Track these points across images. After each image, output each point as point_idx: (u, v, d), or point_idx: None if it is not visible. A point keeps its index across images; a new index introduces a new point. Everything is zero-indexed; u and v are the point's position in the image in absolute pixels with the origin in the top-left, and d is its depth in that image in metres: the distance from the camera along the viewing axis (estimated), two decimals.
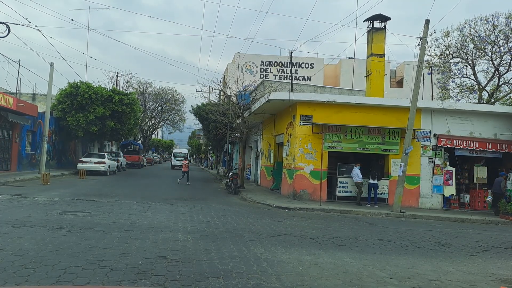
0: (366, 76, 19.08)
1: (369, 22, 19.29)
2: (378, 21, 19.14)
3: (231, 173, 18.94)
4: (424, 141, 16.99)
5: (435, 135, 16.96)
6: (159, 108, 58.67)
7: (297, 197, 16.21)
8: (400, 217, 14.03)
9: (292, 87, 18.11)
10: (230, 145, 32.38)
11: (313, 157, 16.37)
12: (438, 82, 25.49)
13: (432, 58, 25.31)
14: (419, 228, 11.47)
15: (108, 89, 28.94)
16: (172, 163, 46.18)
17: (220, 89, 20.98)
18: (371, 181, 15.90)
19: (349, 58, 44.82)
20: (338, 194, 16.49)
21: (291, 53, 16.76)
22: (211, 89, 20.10)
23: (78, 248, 6.22)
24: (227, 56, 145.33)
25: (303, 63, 44.15)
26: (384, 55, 18.82)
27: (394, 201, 14.83)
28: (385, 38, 18.95)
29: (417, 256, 7.35)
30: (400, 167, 14.92)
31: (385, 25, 19.08)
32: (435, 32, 23.99)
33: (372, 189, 15.91)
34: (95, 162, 25.90)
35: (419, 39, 15.28)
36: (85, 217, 9.12)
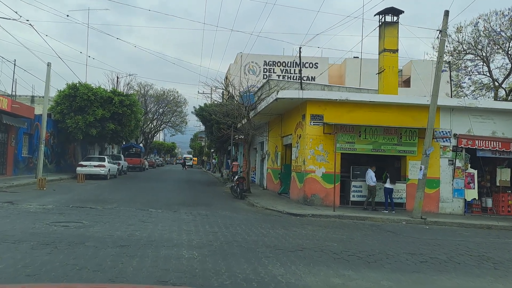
0: (379, 73, 18.03)
1: (381, 16, 18.25)
2: (390, 14, 18.09)
3: (236, 177, 17.89)
4: (444, 141, 15.91)
5: (455, 135, 15.87)
6: (161, 110, 57.80)
7: (308, 202, 15.15)
8: (421, 224, 12.96)
9: (301, 84, 17.08)
10: (233, 147, 31.36)
11: (325, 159, 15.31)
12: (452, 80, 24.42)
13: (445, 55, 24.28)
14: (447, 237, 10.40)
15: (108, 90, 27.98)
16: (182, 164, 63.42)
17: (223, 88, 19.95)
18: (387, 185, 14.83)
19: (354, 57, 43.83)
20: (352, 199, 15.41)
21: (300, 48, 15.80)
22: (214, 88, 19.09)
23: (63, 271, 5.19)
24: (229, 56, 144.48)
25: (307, 62, 43.08)
26: (397, 50, 17.77)
27: (414, 206, 13.75)
28: (398, 33, 17.91)
29: (461, 275, 6.30)
30: (420, 169, 13.85)
31: (397, 19, 18.03)
32: (447, 28, 22.81)
33: (388, 194, 14.85)
34: (95, 166, 24.90)
35: (438, 31, 14.26)
36: (77, 229, 8.09)
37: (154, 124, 60.65)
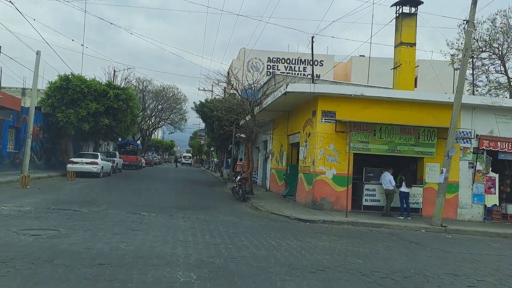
0: (394, 69, 16.72)
1: (397, 7, 16.94)
2: (408, 5, 16.78)
3: (239, 177, 16.56)
4: (464, 142, 14.61)
5: (476, 135, 14.59)
6: (160, 106, 56.46)
7: (317, 206, 13.83)
8: (442, 233, 11.72)
9: (313, 78, 15.74)
10: (234, 146, 30.03)
11: (336, 160, 13.99)
12: (466, 78, 23.13)
13: (459, 52, 23.01)
14: (480, 251, 9.11)
15: (103, 83, 26.56)
16: (182, 162, 71.36)
17: (226, 82, 18.54)
18: (402, 189, 13.52)
19: (360, 56, 42.54)
20: (364, 203, 14.09)
21: (312, 38, 14.42)
22: (216, 82, 17.71)
23: None
24: (231, 54, 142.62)
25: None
26: (415, 44, 16.45)
27: (434, 213, 12.45)
28: (416, 25, 16.59)
29: None
30: (442, 173, 12.54)
31: (416, 10, 16.72)
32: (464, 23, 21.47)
33: (404, 199, 13.55)
34: (87, 163, 23.57)
35: (465, 21, 12.96)
36: (50, 239, 6.73)
37: (153, 121, 59.32)
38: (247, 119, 18.08)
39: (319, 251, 7.32)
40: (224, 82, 18.85)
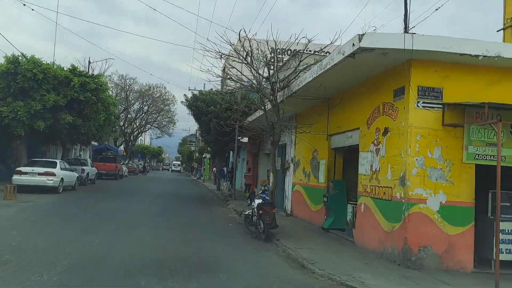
0: (505, 29, 10.63)
1: None
2: None
3: (258, 202, 10.17)
4: None
5: None
6: (146, 107, 50.13)
7: (413, 262, 7.53)
8: None
9: (407, 24, 9.33)
10: (233, 152, 23.75)
11: (445, 177, 7.76)
12: None
13: None
14: None
15: (65, 68, 20.17)
16: (171, 168, 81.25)
17: (236, 51, 12.30)
18: None
19: None
20: (500, 257, 7.75)
21: None
22: (219, 54, 11.56)
23: None
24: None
25: (317, 51, 35.57)
26: None
27: None
28: None
29: None
30: None
31: None
32: None
33: None
34: (40, 174, 17.30)
35: None
36: None
37: (137, 124, 52.93)
38: (268, 108, 11.84)
39: None
40: (225, 56, 12.66)
